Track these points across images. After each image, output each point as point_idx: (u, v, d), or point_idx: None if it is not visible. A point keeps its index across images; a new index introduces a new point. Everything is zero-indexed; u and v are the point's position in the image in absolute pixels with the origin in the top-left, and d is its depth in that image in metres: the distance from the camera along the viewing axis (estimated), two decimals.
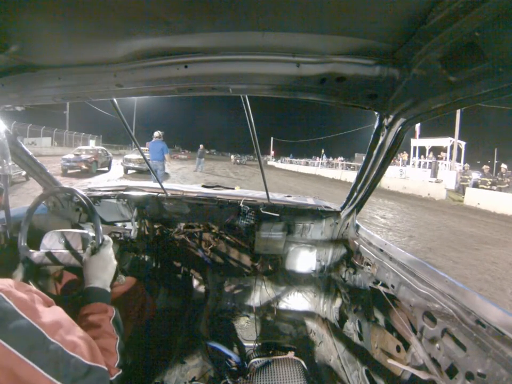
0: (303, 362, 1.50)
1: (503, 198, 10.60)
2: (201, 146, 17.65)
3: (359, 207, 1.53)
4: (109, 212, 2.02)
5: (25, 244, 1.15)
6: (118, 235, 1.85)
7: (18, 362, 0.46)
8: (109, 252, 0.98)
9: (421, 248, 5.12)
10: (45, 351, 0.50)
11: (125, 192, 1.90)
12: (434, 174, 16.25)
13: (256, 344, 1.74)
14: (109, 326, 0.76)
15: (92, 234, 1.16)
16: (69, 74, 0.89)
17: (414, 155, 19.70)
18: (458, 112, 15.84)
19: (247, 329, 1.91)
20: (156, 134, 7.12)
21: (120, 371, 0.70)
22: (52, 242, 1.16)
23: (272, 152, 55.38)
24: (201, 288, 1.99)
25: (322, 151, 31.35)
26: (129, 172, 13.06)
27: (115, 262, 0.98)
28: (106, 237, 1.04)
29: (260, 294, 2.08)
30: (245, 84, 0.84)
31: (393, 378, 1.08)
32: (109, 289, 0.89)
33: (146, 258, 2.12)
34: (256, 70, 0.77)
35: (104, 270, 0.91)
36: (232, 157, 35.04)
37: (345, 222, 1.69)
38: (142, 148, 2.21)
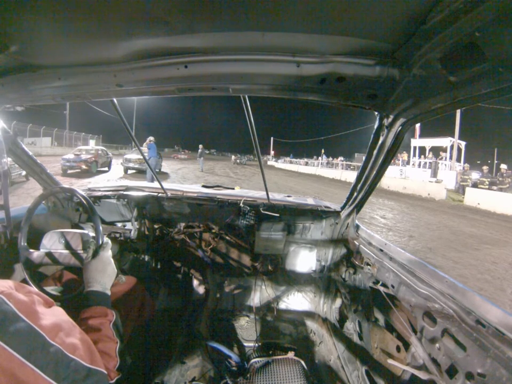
0: (303, 362, 1.50)
1: (503, 198, 10.60)
2: (200, 146, 17.82)
3: (359, 207, 1.53)
4: (109, 212, 2.02)
5: (25, 244, 1.15)
6: (118, 235, 1.85)
7: (19, 365, 0.46)
8: (108, 254, 0.99)
9: (421, 248, 5.12)
10: (45, 353, 0.50)
11: (125, 192, 1.90)
12: (434, 174, 16.25)
13: (256, 344, 1.74)
14: (109, 329, 0.76)
15: (91, 234, 1.16)
16: (69, 74, 0.89)
17: (414, 155, 19.71)
18: (458, 112, 15.86)
19: (247, 329, 1.91)
20: (152, 138, 9.45)
21: (120, 374, 0.70)
22: (52, 242, 1.16)
23: (272, 152, 55.39)
24: (201, 288, 1.99)
25: (322, 151, 31.34)
26: (129, 171, 13.06)
27: (114, 265, 0.98)
28: (106, 239, 1.04)
29: (260, 294, 2.08)
30: (245, 83, 0.84)
31: (393, 378, 1.08)
32: (109, 292, 0.89)
33: (146, 258, 2.12)
34: (256, 70, 0.77)
35: (104, 273, 0.91)
36: (232, 157, 35.02)
37: (345, 222, 1.69)
38: (142, 148, 2.22)
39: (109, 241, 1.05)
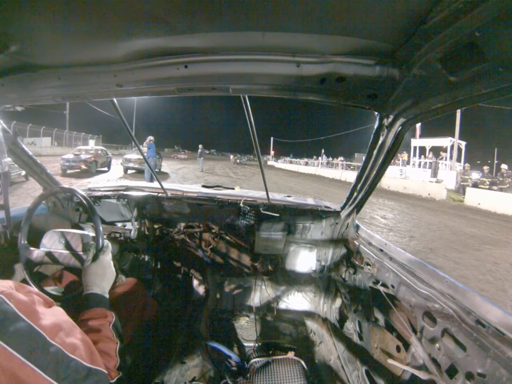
0: (303, 362, 1.50)
1: (504, 198, 10.58)
2: (200, 146, 17.88)
3: (359, 207, 1.53)
4: (109, 212, 2.02)
5: (25, 242, 1.15)
6: (118, 235, 1.85)
7: (19, 365, 0.46)
8: (108, 258, 1.00)
9: (422, 248, 5.12)
10: (45, 353, 0.50)
11: (125, 192, 1.90)
12: (434, 174, 16.25)
13: (256, 344, 1.74)
14: (109, 330, 0.77)
15: (91, 234, 1.16)
16: (69, 74, 0.89)
17: (414, 155, 19.71)
18: (458, 112, 15.86)
19: (247, 329, 1.91)
20: (152, 138, 9.69)
21: (120, 374, 0.70)
22: (52, 242, 1.16)
23: (272, 152, 55.38)
24: (201, 288, 1.99)
25: (322, 151, 31.32)
26: (129, 171, 13.06)
27: (113, 268, 0.99)
28: (106, 242, 1.04)
29: (260, 294, 2.08)
30: (245, 83, 0.84)
31: (393, 378, 1.08)
32: (107, 295, 0.90)
33: (146, 258, 2.12)
34: (256, 70, 0.77)
35: (103, 277, 0.92)
36: (231, 157, 34.94)
37: (345, 222, 1.69)
38: (141, 148, 2.22)
39: (109, 244, 1.05)
